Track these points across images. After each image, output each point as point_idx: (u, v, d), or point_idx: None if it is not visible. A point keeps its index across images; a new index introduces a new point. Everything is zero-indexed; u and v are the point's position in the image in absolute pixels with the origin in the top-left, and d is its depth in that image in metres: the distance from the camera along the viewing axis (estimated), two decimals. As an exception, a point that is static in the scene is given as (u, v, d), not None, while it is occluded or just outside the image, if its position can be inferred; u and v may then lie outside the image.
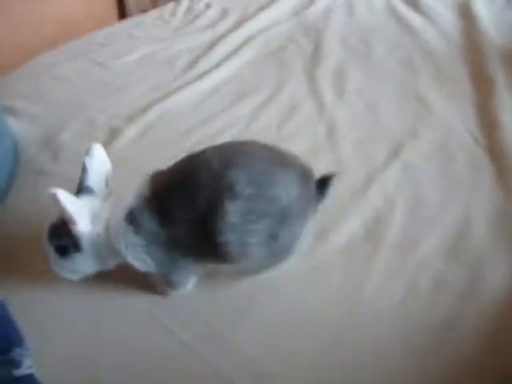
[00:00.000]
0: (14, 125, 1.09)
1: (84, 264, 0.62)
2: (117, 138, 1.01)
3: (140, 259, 0.60)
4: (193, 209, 0.56)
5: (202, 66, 1.24)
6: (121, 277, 0.69)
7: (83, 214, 0.59)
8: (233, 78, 1.18)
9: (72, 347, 0.65)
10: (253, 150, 0.59)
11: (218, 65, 1.23)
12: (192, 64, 1.26)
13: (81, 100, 1.16)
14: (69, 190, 0.89)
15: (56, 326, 0.67)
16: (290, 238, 0.61)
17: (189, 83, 1.17)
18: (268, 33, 1.37)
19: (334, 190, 0.67)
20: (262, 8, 1.51)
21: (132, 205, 0.59)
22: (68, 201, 0.57)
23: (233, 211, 0.54)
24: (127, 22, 1.56)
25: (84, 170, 0.63)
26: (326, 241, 0.75)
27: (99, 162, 0.65)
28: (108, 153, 0.97)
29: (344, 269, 0.72)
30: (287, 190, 0.56)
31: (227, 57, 1.27)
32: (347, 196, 0.83)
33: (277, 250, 0.60)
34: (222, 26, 1.44)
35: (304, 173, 0.61)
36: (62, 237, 0.59)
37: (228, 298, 0.69)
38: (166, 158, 0.96)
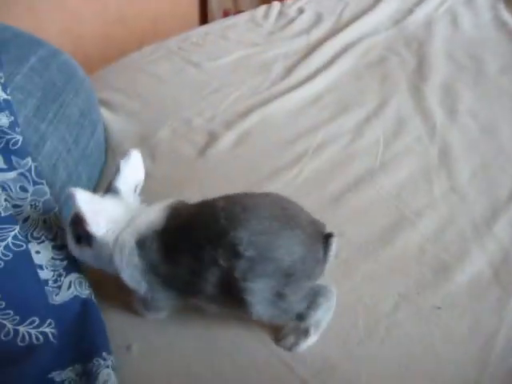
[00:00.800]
0: (110, 119, 1.09)
1: (90, 259, 0.65)
2: (214, 143, 0.99)
3: (134, 280, 0.61)
4: (196, 259, 0.57)
5: (300, 72, 1.20)
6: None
7: (100, 217, 0.59)
8: (333, 88, 1.13)
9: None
10: (262, 208, 0.58)
11: (316, 73, 1.19)
12: (289, 70, 1.22)
13: (177, 100, 1.14)
14: (164, 189, 0.93)
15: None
16: (300, 296, 0.59)
17: (287, 90, 1.13)
18: (366, 41, 1.31)
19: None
20: (358, 15, 1.45)
21: (145, 232, 0.59)
22: (84, 202, 0.57)
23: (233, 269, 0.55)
24: (219, 24, 1.54)
25: (117, 171, 0.63)
26: (449, 278, 0.69)
27: (133, 168, 0.65)
28: (205, 158, 0.99)
29: (471, 312, 0.65)
30: (290, 252, 0.55)
31: (325, 65, 1.22)
32: (469, 229, 0.76)
33: (286, 307, 0.59)
34: (318, 32, 1.39)
35: (313, 233, 0.59)
36: (80, 227, 0.61)
37: (342, 332, 0.65)
38: (264, 169, 0.96)
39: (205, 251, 0.55)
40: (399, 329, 0.64)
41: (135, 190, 0.65)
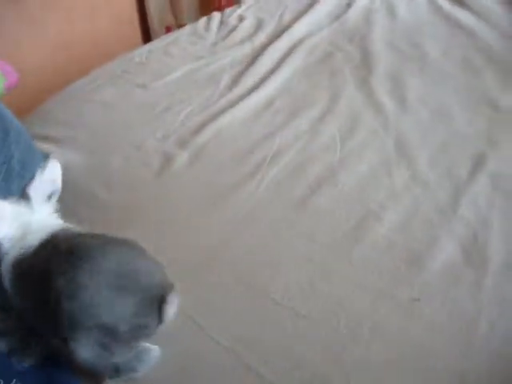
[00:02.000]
0: (59, 155, 1.04)
1: None
2: (169, 164, 0.95)
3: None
4: (36, 293, 0.57)
5: (248, 80, 1.18)
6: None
7: (4, 219, 0.60)
8: (283, 91, 1.11)
9: None
10: (103, 260, 0.56)
11: (264, 78, 1.17)
12: (236, 79, 1.20)
13: (127, 124, 1.10)
14: (122, 217, 0.89)
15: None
16: (126, 352, 0.58)
17: (237, 100, 1.11)
18: (309, 40, 1.31)
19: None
20: (298, 15, 1.45)
21: (19, 256, 0.59)
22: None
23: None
24: (161, 40, 1.51)
25: (31, 179, 0.65)
26: (422, 268, 0.68)
27: (48, 177, 0.67)
28: (162, 180, 0.96)
29: (449, 299, 0.64)
30: (112, 312, 0.55)
31: (273, 68, 1.20)
32: (435, 215, 0.75)
33: (110, 359, 0.57)
34: (261, 37, 1.37)
35: (148, 297, 0.57)
36: None
37: (326, 339, 0.63)
38: (224, 184, 0.93)
39: (42, 289, 0.55)
40: (382, 327, 0.63)
41: (50, 199, 0.66)
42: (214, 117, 1.07)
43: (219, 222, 0.80)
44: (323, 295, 0.67)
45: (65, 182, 0.97)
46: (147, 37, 2.25)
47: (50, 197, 0.66)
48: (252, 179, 0.87)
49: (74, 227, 0.64)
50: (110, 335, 0.54)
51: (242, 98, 1.12)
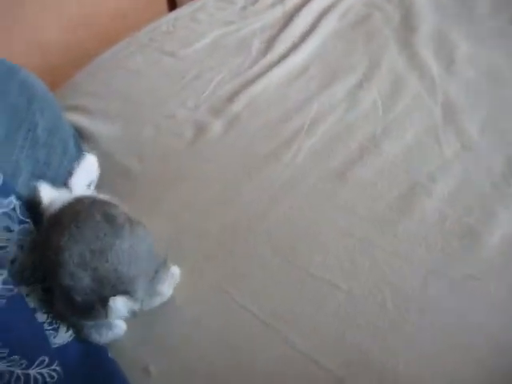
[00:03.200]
0: (90, 126, 1.01)
1: None
2: (202, 133, 0.90)
3: None
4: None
5: (280, 45, 1.10)
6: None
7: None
8: (318, 56, 1.03)
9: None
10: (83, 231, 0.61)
11: (298, 42, 1.09)
12: (268, 45, 1.12)
13: (156, 93, 1.05)
14: (155, 190, 0.86)
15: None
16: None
17: (270, 66, 1.03)
18: (344, 1, 1.21)
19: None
20: (331, -25, 1.35)
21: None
22: (45, 193, 0.69)
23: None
24: (188, 7, 1.42)
25: (70, 173, 0.77)
26: (478, 243, 0.62)
27: (86, 169, 0.78)
28: (195, 150, 0.91)
29: (508, 275, 0.58)
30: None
31: (306, 32, 1.12)
32: (488, 187, 0.68)
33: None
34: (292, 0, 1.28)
35: (104, 285, 0.59)
36: None
37: (372, 317, 0.58)
38: (260, 153, 0.87)
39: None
40: (433, 306, 0.58)
41: (89, 186, 0.76)
42: (247, 84, 1.00)
43: (255, 193, 0.76)
44: (365, 271, 0.62)
45: (98, 152, 0.95)
46: (173, 5, 2.16)
47: (89, 185, 0.76)
48: (288, 149, 0.82)
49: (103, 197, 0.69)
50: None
51: (275, 63, 1.04)
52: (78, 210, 0.63)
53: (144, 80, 1.11)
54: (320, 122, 0.85)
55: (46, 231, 0.63)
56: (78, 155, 0.91)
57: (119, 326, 0.62)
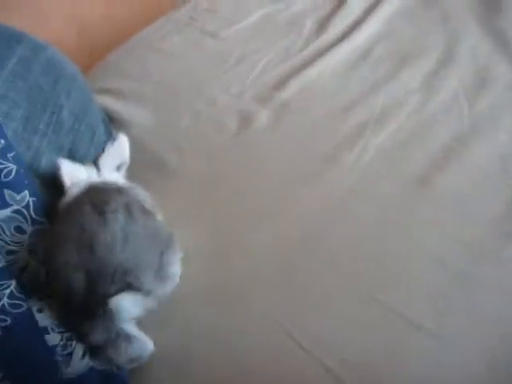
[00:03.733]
0: (123, 111, 0.89)
1: None
2: (248, 124, 0.77)
3: None
4: None
5: (337, 24, 0.94)
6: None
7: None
8: (383, 37, 0.87)
9: None
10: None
11: (358, 21, 0.93)
12: (323, 24, 0.96)
13: (196, 77, 0.92)
14: (196, 188, 0.73)
15: None
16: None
17: (326, 48, 0.88)
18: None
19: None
20: None
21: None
22: (67, 172, 0.60)
23: None
24: (232, -17, 1.29)
25: (102, 151, 0.68)
26: None
27: (117, 150, 0.68)
28: (240, 143, 0.78)
29: None
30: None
31: (367, 12, 0.95)
32: None
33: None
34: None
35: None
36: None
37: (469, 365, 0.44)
38: (316, 152, 0.68)
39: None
40: None
41: (118, 169, 0.67)
42: (299, 68, 0.86)
43: (312, 202, 0.62)
44: (460, 309, 0.48)
45: (130, 140, 0.84)
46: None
47: (118, 168, 0.67)
48: (351, 148, 0.67)
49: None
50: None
51: (331, 45, 0.89)
52: (71, 201, 0.55)
53: (181, 62, 0.98)
54: (389, 117, 0.70)
55: (55, 227, 0.53)
56: (108, 143, 0.80)
57: (141, 340, 0.51)
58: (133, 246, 0.49)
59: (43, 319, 0.49)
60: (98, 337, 0.49)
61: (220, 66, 0.93)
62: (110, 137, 0.83)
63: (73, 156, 0.69)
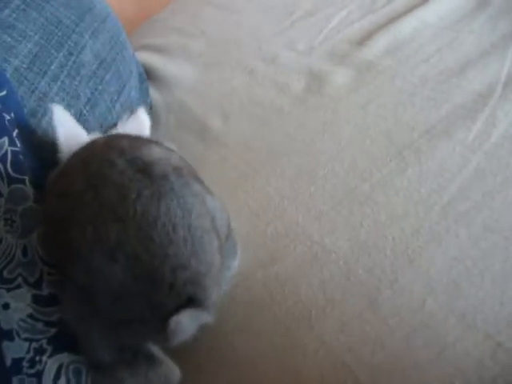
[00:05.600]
0: (166, 67, 0.72)
1: None
2: (320, 85, 0.56)
3: None
4: None
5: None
6: None
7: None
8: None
9: None
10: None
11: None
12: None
13: (255, 31, 0.72)
14: (244, 165, 0.56)
15: None
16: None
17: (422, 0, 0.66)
18: None
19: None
20: None
21: None
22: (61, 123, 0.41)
23: None
24: None
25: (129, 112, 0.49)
26: None
27: (133, 128, 0.47)
28: (307, 110, 0.56)
29: None
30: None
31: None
32: None
33: None
34: None
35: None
36: None
37: None
38: (418, 127, 0.44)
39: None
40: None
41: None
42: (386, 23, 0.64)
43: (415, 194, 0.41)
44: None
45: (171, 100, 0.66)
46: None
47: None
48: (470, 123, 0.45)
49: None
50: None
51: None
52: (87, 156, 0.34)
53: (239, 16, 0.79)
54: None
55: (49, 196, 0.35)
56: (140, 103, 0.62)
57: (167, 364, 0.34)
58: (195, 234, 0.30)
59: (9, 318, 0.32)
60: (107, 352, 0.32)
61: (284, 20, 0.72)
62: (145, 97, 0.66)
63: (91, 110, 0.52)
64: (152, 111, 0.65)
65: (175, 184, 0.31)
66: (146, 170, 0.31)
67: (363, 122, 0.48)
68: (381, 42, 0.60)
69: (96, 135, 0.43)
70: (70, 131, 0.41)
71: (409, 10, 0.65)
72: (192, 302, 0.29)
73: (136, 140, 0.37)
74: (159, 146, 0.35)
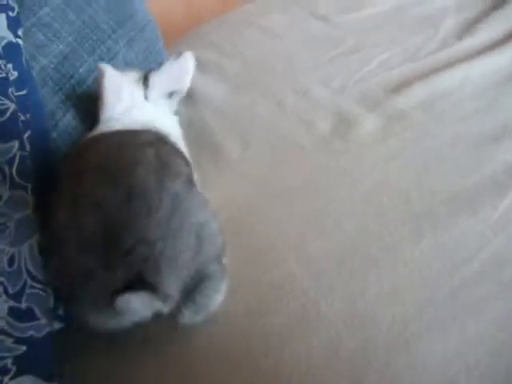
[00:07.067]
0: (197, 82, 0.70)
1: None
2: (347, 130, 0.53)
3: None
4: None
5: (488, 30, 0.68)
6: None
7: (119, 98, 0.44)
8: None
9: None
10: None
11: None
12: (468, 26, 0.70)
13: (290, 60, 0.70)
14: (251, 198, 0.50)
15: None
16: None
17: (469, 56, 0.62)
18: None
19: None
20: None
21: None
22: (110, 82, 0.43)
23: None
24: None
25: (156, 67, 0.47)
26: None
27: (176, 73, 0.48)
28: (331, 154, 0.53)
29: None
30: None
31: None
32: None
33: None
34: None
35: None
36: None
37: None
38: (445, 188, 0.41)
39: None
40: None
41: (170, 97, 0.50)
42: (427, 73, 0.60)
43: (412, 263, 0.37)
44: None
45: (195, 117, 0.65)
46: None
47: (170, 95, 0.49)
48: (496, 197, 0.41)
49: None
50: None
51: (478, 52, 0.63)
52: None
53: (280, 42, 0.77)
54: None
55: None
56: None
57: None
58: (173, 223, 0.32)
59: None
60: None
61: (325, 54, 0.70)
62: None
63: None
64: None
65: (180, 183, 0.34)
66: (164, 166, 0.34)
67: (383, 177, 0.44)
68: (417, 93, 0.57)
69: (138, 85, 0.46)
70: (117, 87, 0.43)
71: (452, 63, 0.62)
72: (143, 282, 0.31)
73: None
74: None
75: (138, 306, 0.32)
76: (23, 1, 0.43)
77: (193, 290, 0.33)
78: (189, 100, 0.67)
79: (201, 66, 0.73)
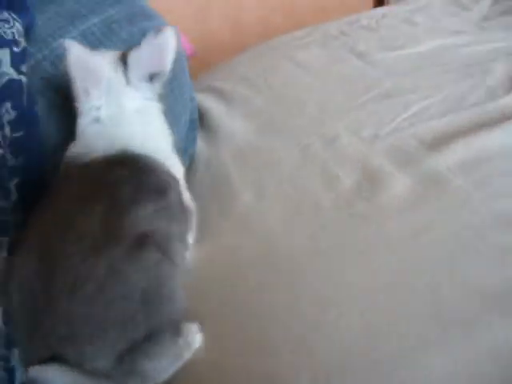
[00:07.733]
0: (222, 116, 0.67)
1: None
2: (373, 190, 0.47)
3: None
4: None
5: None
6: None
7: (98, 82, 0.40)
8: None
9: None
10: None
11: None
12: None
13: (322, 102, 0.65)
14: (256, 265, 0.40)
15: None
16: None
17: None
18: None
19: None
20: None
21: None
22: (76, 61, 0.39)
23: None
24: (404, 4, 0.99)
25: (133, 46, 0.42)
26: None
27: (157, 51, 0.42)
28: (346, 214, 0.44)
29: None
30: None
31: None
32: None
33: None
34: None
35: None
36: None
37: None
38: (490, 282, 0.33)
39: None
40: None
41: (151, 80, 0.43)
42: (471, 128, 0.54)
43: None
44: None
45: (213, 156, 0.61)
46: (381, 3, 1.73)
47: (151, 77, 0.43)
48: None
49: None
50: None
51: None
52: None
53: (313, 80, 0.72)
54: None
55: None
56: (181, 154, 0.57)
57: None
58: (108, 300, 0.30)
59: None
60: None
61: (358, 97, 0.65)
62: (190, 147, 0.61)
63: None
64: (192, 164, 0.60)
65: (122, 249, 0.31)
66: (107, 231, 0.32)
67: (408, 259, 0.38)
68: (457, 152, 0.50)
69: (113, 63, 0.41)
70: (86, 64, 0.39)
71: (500, 119, 0.54)
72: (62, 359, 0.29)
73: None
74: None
75: (54, 378, 0.30)
76: (36, 32, 0.41)
77: (137, 354, 0.31)
78: (211, 135, 0.64)
79: (229, 99, 0.70)
